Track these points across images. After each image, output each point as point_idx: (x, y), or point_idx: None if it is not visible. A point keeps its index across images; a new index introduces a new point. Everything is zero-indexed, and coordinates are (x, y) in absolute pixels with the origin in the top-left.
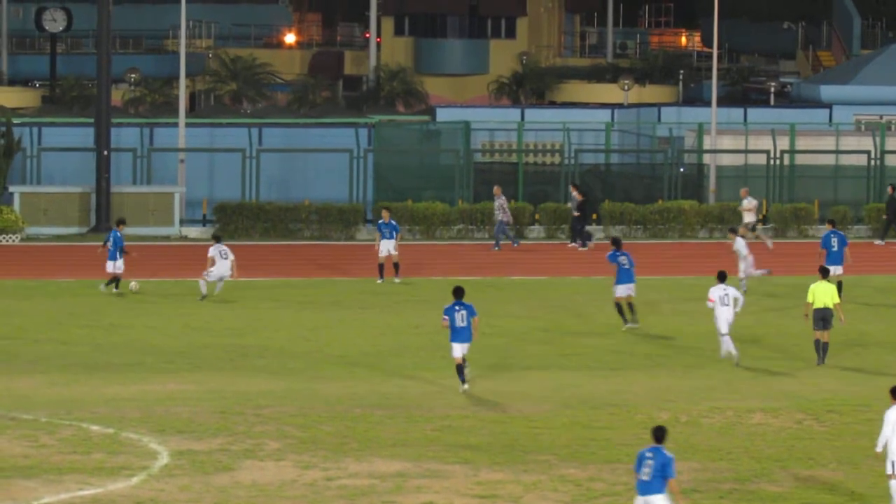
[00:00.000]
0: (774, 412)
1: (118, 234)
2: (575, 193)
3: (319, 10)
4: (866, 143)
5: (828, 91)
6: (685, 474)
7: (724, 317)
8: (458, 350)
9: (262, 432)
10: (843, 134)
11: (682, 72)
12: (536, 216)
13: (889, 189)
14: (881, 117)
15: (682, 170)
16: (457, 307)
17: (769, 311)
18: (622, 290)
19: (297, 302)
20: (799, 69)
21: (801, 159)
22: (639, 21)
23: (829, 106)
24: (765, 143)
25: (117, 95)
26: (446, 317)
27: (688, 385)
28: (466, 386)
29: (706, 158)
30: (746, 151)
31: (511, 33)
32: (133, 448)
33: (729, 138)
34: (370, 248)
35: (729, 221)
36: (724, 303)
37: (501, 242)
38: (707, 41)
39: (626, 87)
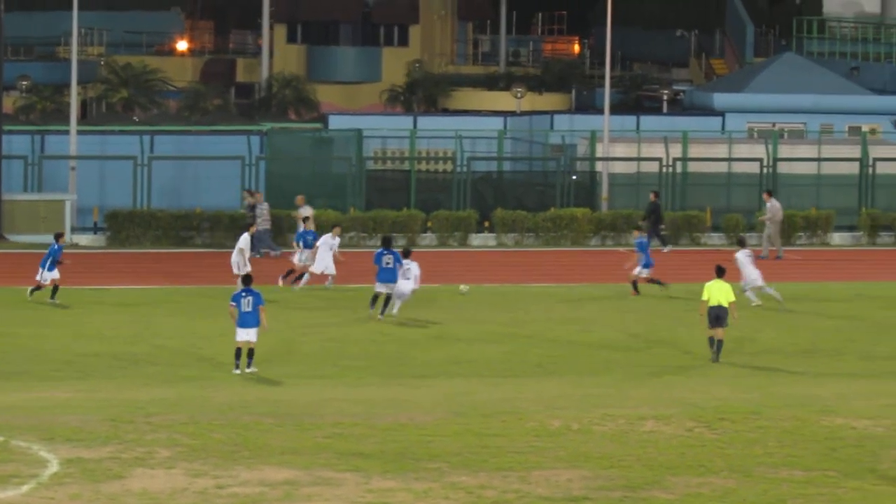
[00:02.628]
0: (666, 420)
1: (57, 246)
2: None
3: (211, 17)
4: (759, 150)
5: (721, 99)
6: (576, 482)
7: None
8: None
9: (153, 440)
10: (735, 142)
11: (574, 80)
12: (429, 224)
13: (651, 196)
14: (774, 125)
15: (574, 178)
16: (243, 294)
17: (664, 317)
18: (381, 287)
19: (189, 310)
20: (692, 77)
21: (693, 167)
22: (531, 29)
23: (721, 114)
24: (657, 150)
25: (8, 102)
26: (233, 303)
27: (580, 392)
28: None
29: (599, 166)
30: (639, 159)
31: (404, 41)
32: (22, 456)
33: (622, 146)
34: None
35: (621, 229)
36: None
37: (263, 251)
38: (600, 49)
39: (518, 95)
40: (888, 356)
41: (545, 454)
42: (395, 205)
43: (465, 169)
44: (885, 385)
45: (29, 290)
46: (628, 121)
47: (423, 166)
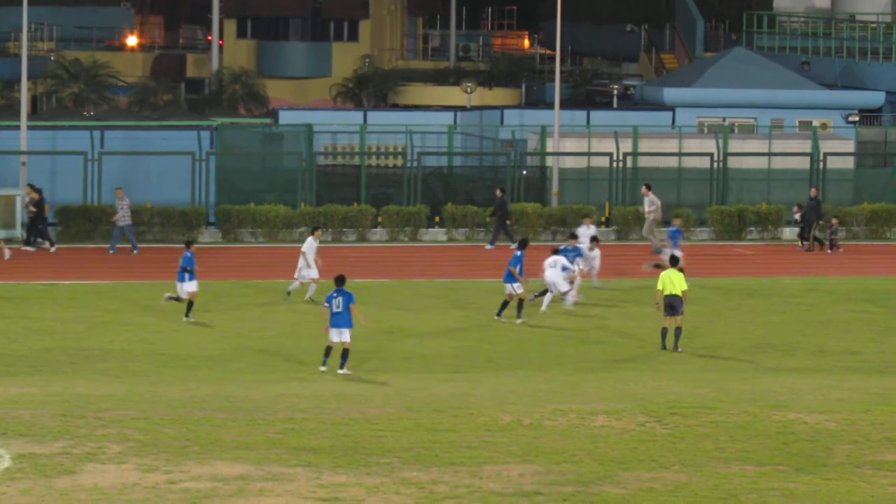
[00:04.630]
0: (617, 414)
1: (189, 254)
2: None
3: (162, 12)
4: (709, 145)
5: (671, 94)
6: (528, 477)
7: None
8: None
9: (104, 435)
10: (685, 136)
11: (524, 75)
12: (379, 219)
13: (498, 192)
14: (724, 120)
15: (524, 172)
16: (335, 294)
17: (615, 311)
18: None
19: (140, 305)
20: (642, 72)
21: (643, 162)
22: (481, 24)
23: (672, 108)
24: (608, 145)
25: None
26: (326, 304)
27: (531, 387)
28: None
29: (549, 161)
30: (589, 154)
31: (354, 36)
32: None
33: (572, 141)
34: (212, 250)
35: (572, 224)
36: None
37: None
38: (550, 44)
39: (468, 90)
40: (840, 351)
41: (497, 449)
42: (345, 200)
43: (415, 164)
44: (837, 379)
45: (165, 297)
46: (578, 116)
47: (374, 161)
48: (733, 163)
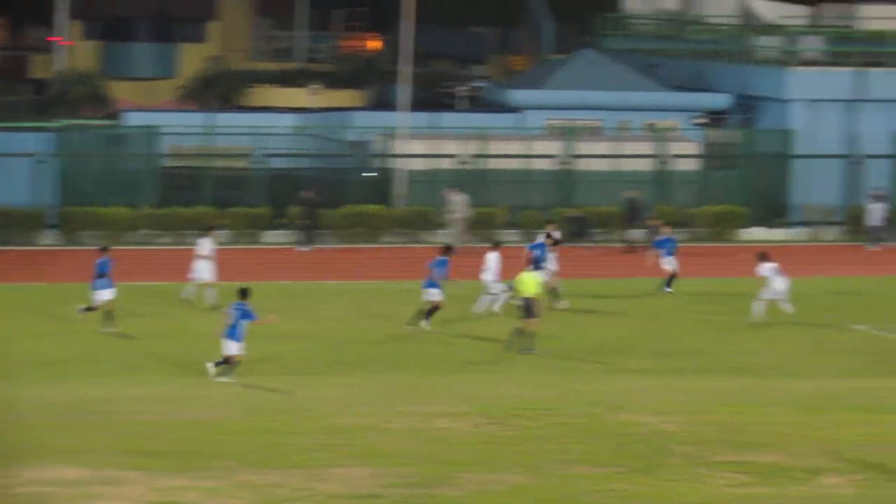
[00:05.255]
0: (458, 417)
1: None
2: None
3: (5, 12)
4: (556, 147)
5: (519, 96)
6: (367, 480)
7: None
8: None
9: None
10: (533, 138)
11: (372, 76)
12: (224, 221)
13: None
14: (572, 122)
15: (372, 174)
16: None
17: (459, 314)
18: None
19: None
20: (491, 74)
21: (491, 164)
22: (330, 25)
23: (520, 110)
24: (455, 147)
25: None
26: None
27: (374, 389)
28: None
29: (396, 163)
30: (436, 156)
31: (201, 37)
32: None
33: (419, 143)
34: (52, 253)
35: (418, 226)
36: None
37: None
38: (399, 46)
39: (316, 92)
40: (677, 352)
41: (337, 452)
42: (191, 202)
43: (261, 166)
44: (675, 381)
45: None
46: (426, 118)
47: (220, 163)
48: (580, 164)
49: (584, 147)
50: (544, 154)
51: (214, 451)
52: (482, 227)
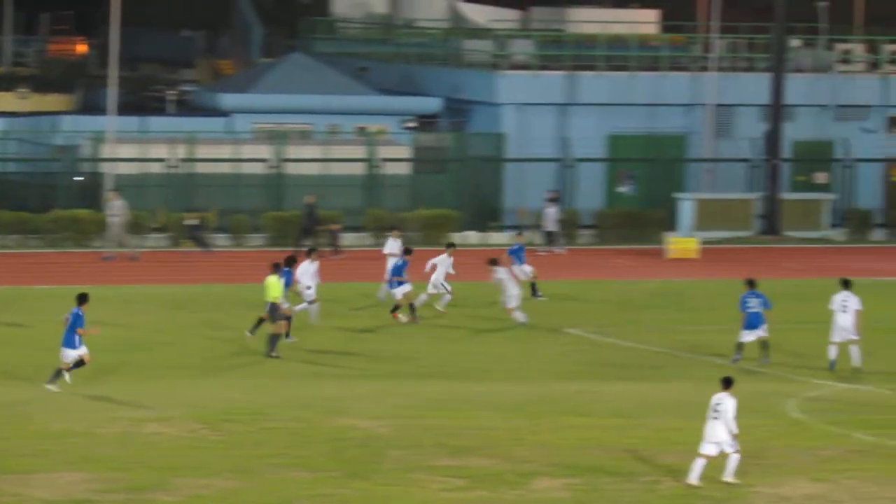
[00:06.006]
0: (169, 421)
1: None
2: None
3: None
4: (266, 151)
5: (227, 99)
6: (78, 485)
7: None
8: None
9: None
10: (242, 142)
11: (78, 80)
12: None
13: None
14: (281, 125)
15: (79, 178)
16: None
17: (169, 319)
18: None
19: None
20: (199, 78)
21: (200, 168)
22: (37, 28)
23: (229, 114)
24: (163, 151)
25: None
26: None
27: (87, 394)
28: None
29: (105, 167)
30: (144, 160)
31: None
32: None
33: (128, 147)
34: None
35: (132, 231)
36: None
37: None
38: (107, 50)
39: (24, 96)
40: (393, 356)
41: (48, 457)
42: None
43: None
44: (390, 385)
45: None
46: (134, 122)
47: None
48: (290, 168)
49: (294, 151)
50: (254, 158)
51: None
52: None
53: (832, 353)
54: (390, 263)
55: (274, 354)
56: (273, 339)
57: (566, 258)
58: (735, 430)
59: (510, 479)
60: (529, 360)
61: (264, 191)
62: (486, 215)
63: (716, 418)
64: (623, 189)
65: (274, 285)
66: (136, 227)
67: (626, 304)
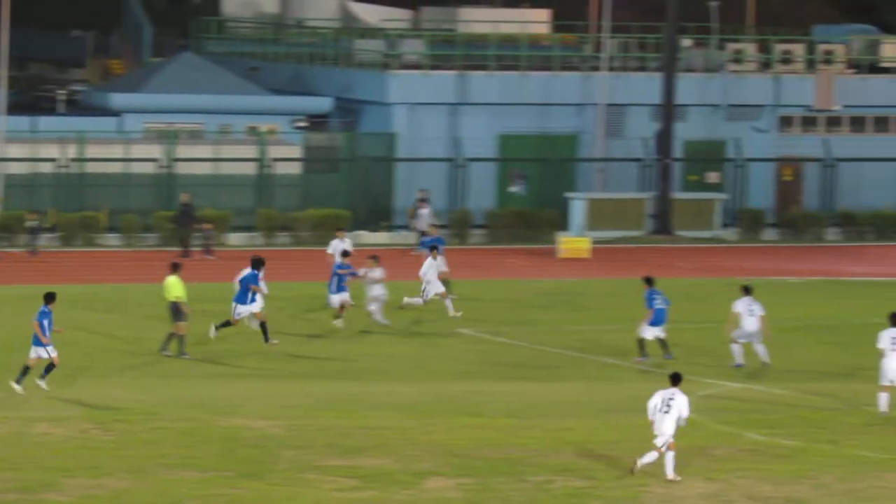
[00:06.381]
0: (60, 422)
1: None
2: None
3: None
4: (156, 151)
5: (118, 99)
6: None
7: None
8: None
9: None
10: (132, 142)
11: None
12: None
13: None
14: (172, 125)
15: None
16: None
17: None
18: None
19: None
20: (89, 77)
21: (91, 167)
22: None
23: (120, 114)
24: (55, 151)
25: None
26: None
27: None
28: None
29: None
30: (35, 160)
31: None
32: None
33: (18, 147)
34: None
35: (15, 231)
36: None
37: None
38: None
39: None
40: (285, 356)
41: None
42: None
43: None
44: (282, 385)
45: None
46: (25, 121)
47: None
48: (181, 168)
49: (185, 150)
50: (145, 158)
51: None
52: (82, 231)
53: (736, 350)
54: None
55: (167, 353)
56: (170, 338)
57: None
58: (684, 425)
59: (402, 479)
60: (422, 361)
61: (155, 190)
62: (378, 215)
63: (666, 412)
64: (515, 189)
65: (174, 285)
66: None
67: (518, 303)
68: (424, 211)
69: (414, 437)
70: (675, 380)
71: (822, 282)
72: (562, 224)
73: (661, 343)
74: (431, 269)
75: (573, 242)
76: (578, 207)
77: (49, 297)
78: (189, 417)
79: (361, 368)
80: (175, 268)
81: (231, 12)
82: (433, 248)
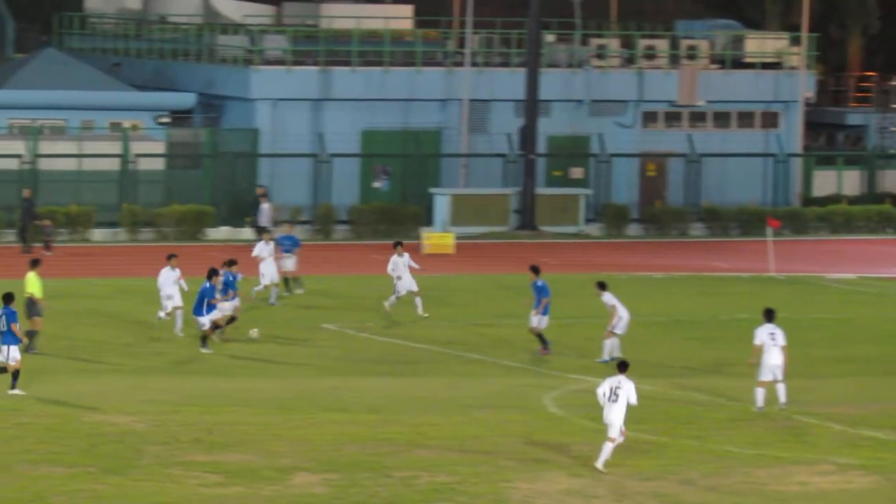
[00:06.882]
0: None
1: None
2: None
3: None
4: (19, 147)
5: None
6: None
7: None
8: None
9: None
10: None
11: None
12: None
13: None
14: (34, 121)
15: None
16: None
17: None
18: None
19: None
20: None
21: None
22: None
23: None
24: None
25: None
26: None
27: None
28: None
29: None
30: None
31: None
32: None
33: None
34: None
35: None
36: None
37: None
38: None
39: None
40: (147, 352)
41: None
42: None
43: None
44: (146, 381)
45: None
46: None
47: None
48: (44, 164)
49: (48, 146)
50: (7, 154)
51: None
52: None
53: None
54: (264, 266)
55: (34, 351)
56: (30, 335)
57: (323, 253)
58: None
59: (267, 475)
60: (286, 356)
61: (18, 187)
62: (241, 211)
63: (614, 401)
64: (378, 184)
65: (32, 281)
66: None
67: (382, 299)
68: (265, 206)
69: (278, 432)
70: (622, 367)
71: (686, 277)
72: (426, 220)
73: (540, 336)
74: (398, 265)
75: (437, 238)
76: (442, 203)
77: (6, 297)
78: (52, 413)
79: (224, 364)
80: (34, 264)
81: (94, 8)
82: (396, 245)
